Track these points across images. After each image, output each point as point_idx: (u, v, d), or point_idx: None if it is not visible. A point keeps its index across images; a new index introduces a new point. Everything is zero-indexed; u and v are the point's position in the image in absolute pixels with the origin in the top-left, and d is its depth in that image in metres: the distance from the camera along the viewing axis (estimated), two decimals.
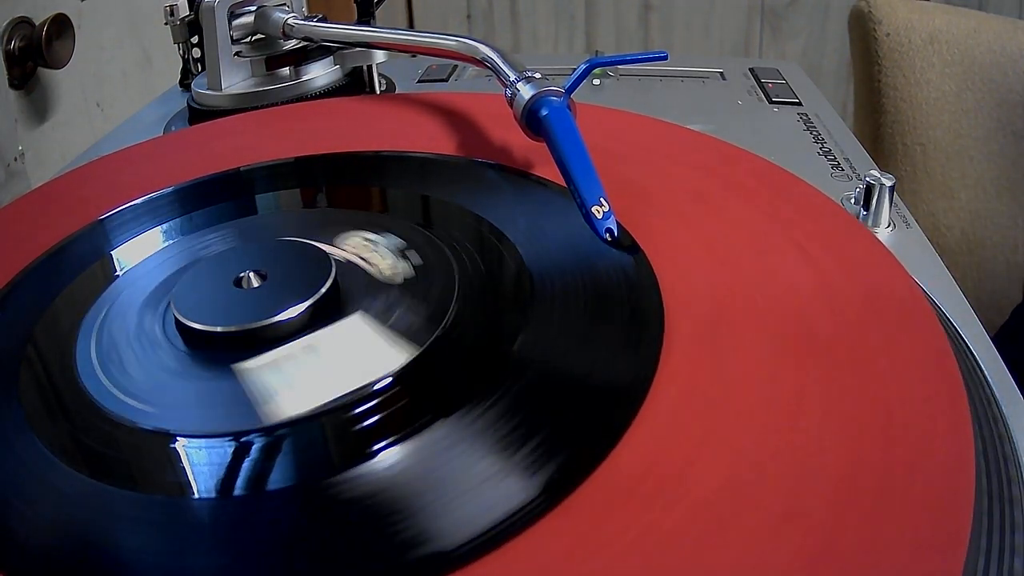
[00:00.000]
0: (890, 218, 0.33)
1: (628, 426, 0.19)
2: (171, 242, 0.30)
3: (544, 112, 0.30)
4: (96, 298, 0.27)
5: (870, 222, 0.33)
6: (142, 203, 0.33)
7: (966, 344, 0.26)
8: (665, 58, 0.34)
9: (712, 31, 1.16)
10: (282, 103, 0.44)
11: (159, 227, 0.31)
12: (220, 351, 0.24)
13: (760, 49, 1.16)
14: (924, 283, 0.27)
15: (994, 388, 0.24)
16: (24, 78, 0.57)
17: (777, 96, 0.49)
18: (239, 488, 0.19)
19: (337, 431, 0.21)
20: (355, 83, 0.47)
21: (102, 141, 0.48)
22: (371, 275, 0.26)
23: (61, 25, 0.56)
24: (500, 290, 0.26)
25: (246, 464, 0.20)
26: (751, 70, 0.53)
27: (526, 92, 0.31)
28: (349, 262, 0.27)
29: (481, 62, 0.36)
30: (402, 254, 0.26)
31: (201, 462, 0.20)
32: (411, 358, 0.22)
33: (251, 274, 0.25)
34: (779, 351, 0.22)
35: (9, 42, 0.55)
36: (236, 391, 0.22)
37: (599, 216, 0.26)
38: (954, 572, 0.16)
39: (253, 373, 0.23)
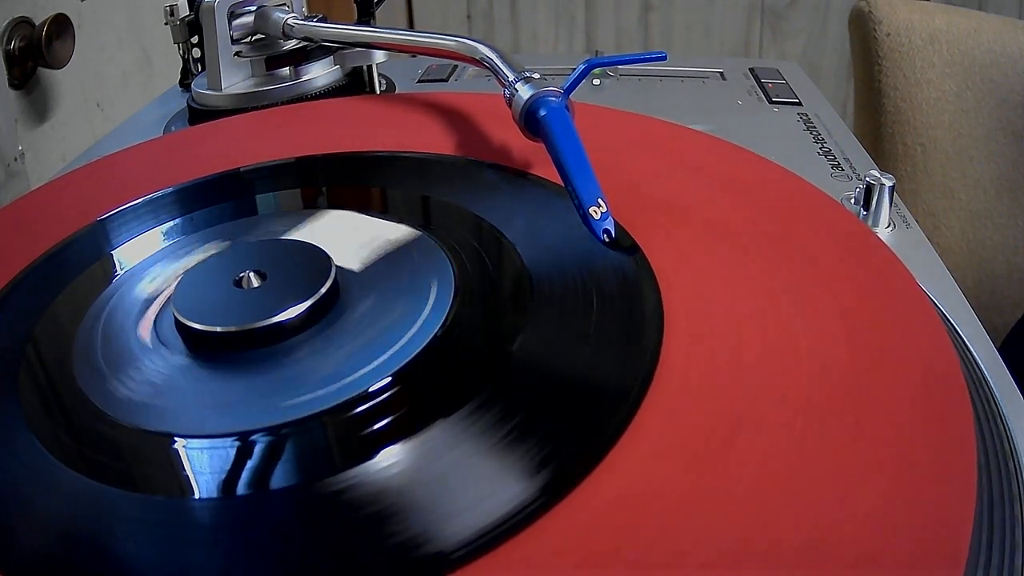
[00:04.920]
0: (890, 218, 0.33)
1: (627, 426, 0.20)
2: (171, 242, 0.30)
3: (542, 112, 0.30)
4: (96, 298, 0.27)
5: (870, 222, 0.33)
6: (142, 203, 0.33)
7: (966, 343, 0.26)
8: (664, 58, 0.34)
9: (712, 31, 1.16)
10: (282, 103, 0.44)
11: (159, 227, 0.31)
12: (220, 351, 0.24)
13: (760, 49, 1.16)
14: (924, 283, 0.27)
15: (993, 387, 0.24)
16: (24, 78, 0.57)
17: (777, 96, 0.49)
18: (239, 489, 0.19)
19: (337, 431, 0.21)
20: (355, 83, 0.47)
21: (102, 141, 0.48)
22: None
23: (61, 25, 0.56)
24: (499, 290, 0.26)
25: (246, 465, 0.20)
26: (751, 70, 0.53)
27: (524, 92, 0.31)
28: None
29: (480, 62, 0.36)
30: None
31: (201, 463, 0.20)
32: (411, 358, 0.22)
33: (251, 274, 0.25)
34: (778, 352, 0.22)
35: (9, 42, 0.55)
36: (236, 391, 0.22)
37: (596, 217, 0.26)
38: (957, 568, 0.16)
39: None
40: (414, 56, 0.53)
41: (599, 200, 0.26)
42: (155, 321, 0.25)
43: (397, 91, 0.51)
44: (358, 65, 0.46)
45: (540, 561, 0.17)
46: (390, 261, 0.27)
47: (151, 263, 0.29)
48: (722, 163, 0.32)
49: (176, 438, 0.21)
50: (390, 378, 0.22)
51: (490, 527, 0.17)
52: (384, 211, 0.32)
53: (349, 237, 0.28)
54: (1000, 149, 0.62)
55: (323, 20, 0.45)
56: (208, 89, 0.45)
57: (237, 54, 0.46)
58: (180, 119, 0.48)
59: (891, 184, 0.32)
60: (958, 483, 0.18)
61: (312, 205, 0.33)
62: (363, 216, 0.30)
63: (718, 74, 0.53)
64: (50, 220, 0.32)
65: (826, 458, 0.18)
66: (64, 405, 0.23)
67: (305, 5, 0.48)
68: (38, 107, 0.59)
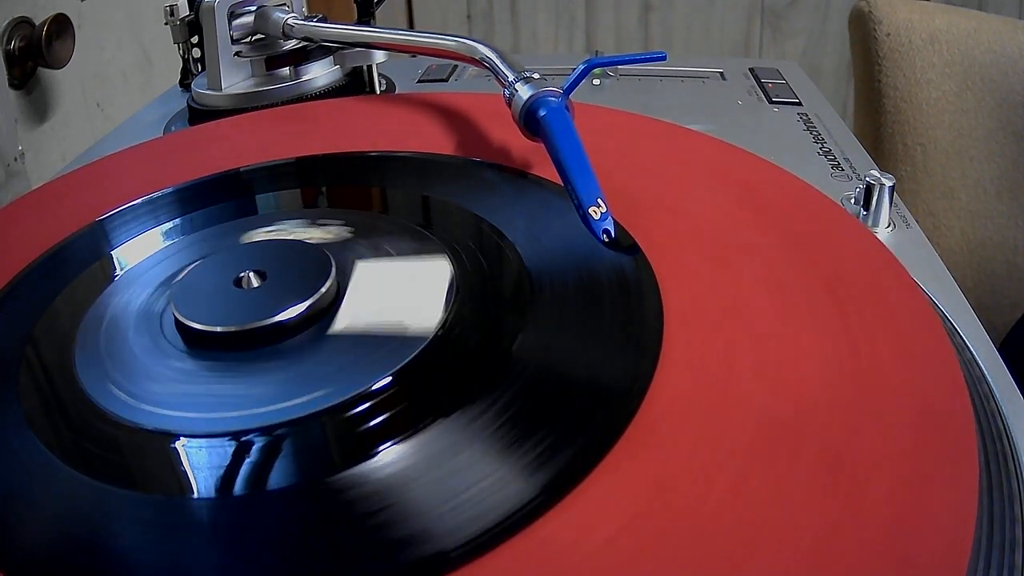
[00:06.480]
0: (890, 218, 0.33)
1: (626, 426, 0.20)
2: (171, 242, 0.30)
3: (542, 112, 0.30)
4: (96, 298, 0.27)
5: (870, 222, 0.33)
6: (142, 203, 0.33)
7: (965, 343, 0.26)
8: (664, 58, 0.34)
9: (712, 31, 1.16)
10: (282, 103, 0.44)
11: (159, 227, 0.31)
12: (220, 351, 0.24)
13: (760, 49, 1.16)
14: (924, 283, 0.27)
15: (993, 387, 0.24)
16: (24, 78, 0.57)
17: (777, 96, 0.49)
18: (239, 488, 0.19)
19: (337, 431, 0.21)
20: (355, 83, 0.47)
21: (102, 141, 0.48)
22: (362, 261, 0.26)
23: (61, 25, 0.56)
24: (499, 290, 0.26)
25: (246, 464, 0.20)
26: (751, 70, 0.53)
27: (524, 92, 0.31)
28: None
29: (480, 62, 0.36)
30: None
31: (201, 462, 0.20)
32: (410, 357, 0.22)
33: (251, 274, 0.25)
34: (777, 351, 0.22)
35: (9, 42, 0.55)
36: (236, 390, 0.22)
37: (596, 217, 0.26)
38: (958, 567, 0.16)
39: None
40: (414, 56, 0.53)
41: (599, 200, 0.26)
42: (155, 321, 0.25)
43: (397, 91, 0.51)
44: (358, 65, 0.47)
45: (540, 560, 0.17)
46: (390, 261, 0.27)
47: (151, 263, 0.29)
48: (722, 163, 0.32)
49: (176, 437, 0.21)
50: (390, 378, 0.22)
51: (490, 526, 0.17)
52: (384, 211, 0.32)
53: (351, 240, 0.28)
54: (1000, 149, 0.62)
55: (323, 20, 0.45)
56: (208, 89, 0.46)
57: (237, 54, 0.46)
58: (180, 119, 0.48)
59: (891, 184, 0.32)
60: (959, 482, 0.18)
61: (312, 205, 0.33)
62: (363, 215, 0.30)
63: (718, 74, 0.53)
64: (50, 220, 0.32)
65: (826, 456, 0.18)
66: (64, 404, 0.23)
67: (305, 5, 0.48)
68: (38, 107, 0.59)
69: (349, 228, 0.29)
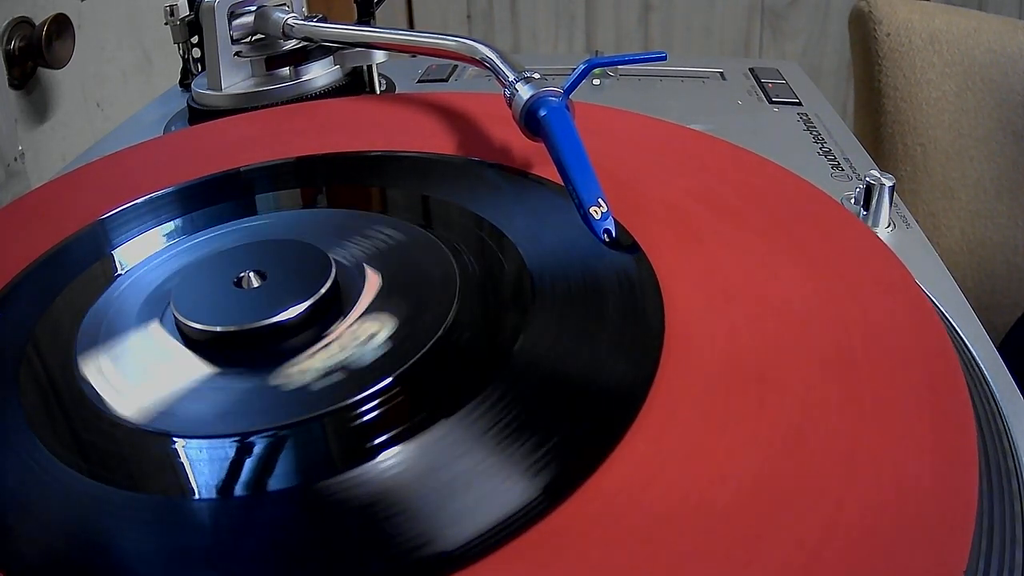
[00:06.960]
0: (890, 218, 0.33)
1: (628, 427, 0.19)
2: (171, 242, 0.30)
3: (542, 112, 0.30)
4: (96, 298, 0.27)
5: (870, 222, 0.33)
6: (142, 203, 0.33)
7: (965, 343, 0.26)
8: (664, 58, 0.34)
9: (712, 31, 1.16)
10: (282, 103, 0.44)
11: (159, 227, 0.31)
12: (220, 351, 0.24)
13: (760, 49, 1.16)
14: (924, 283, 0.27)
15: (993, 387, 0.24)
16: (24, 78, 0.57)
17: (777, 96, 0.49)
18: (239, 489, 0.19)
19: (338, 432, 0.21)
20: (355, 83, 0.47)
21: (102, 141, 0.48)
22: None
23: (61, 25, 0.56)
24: (500, 290, 0.26)
25: (247, 465, 0.20)
26: (751, 70, 0.53)
27: (524, 92, 0.31)
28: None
29: (480, 62, 0.36)
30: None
31: (201, 463, 0.20)
32: (412, 358, 0.22)
33: (251, 274, 0.25)
34: (779, 351, 0.22)
35: (9, 42, 0.55)
36: (236, 391, 0.22)
37: (597, 217, 0.26)
38: (958, 563, 0.16)
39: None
40: (414, 56, 0.53)
41: (599, 200, 0.26)
42: (155, 321, 0.25)
43: (397, 91, 0.51)
44: (358, 65, 0.46)
45: (542, 561, 0.17)
46: (391, 261, 0.27)
47: (151, 262, 0.29)
48: (722, 163, 0.32)
49: (176, 438, 0.21)
50: (392, 379, 0.22)
51: (492, 527, 0.17)
52: (384, 211, 0.32)
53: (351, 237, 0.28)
54: (1000, 149, 0.62)
55: (323, 20, 0.45)
56: (208, 89, 0.45)
57: (237, 54, 0.46)
58: (180, 119, 0.48)
59: (891, 184, 0.32)
60: (959, 482, 0.18)
61: (312, 205, 0.33)
62: (363, 215, 0.30)
63: (718, 74, 0.53)
64: (50, 220, 0.32)
65: (826, 457, 0.18)
66: (64, 405, 0.23)
67: (305, 5, 0.48)
68: (38, 107, 0.59)
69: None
